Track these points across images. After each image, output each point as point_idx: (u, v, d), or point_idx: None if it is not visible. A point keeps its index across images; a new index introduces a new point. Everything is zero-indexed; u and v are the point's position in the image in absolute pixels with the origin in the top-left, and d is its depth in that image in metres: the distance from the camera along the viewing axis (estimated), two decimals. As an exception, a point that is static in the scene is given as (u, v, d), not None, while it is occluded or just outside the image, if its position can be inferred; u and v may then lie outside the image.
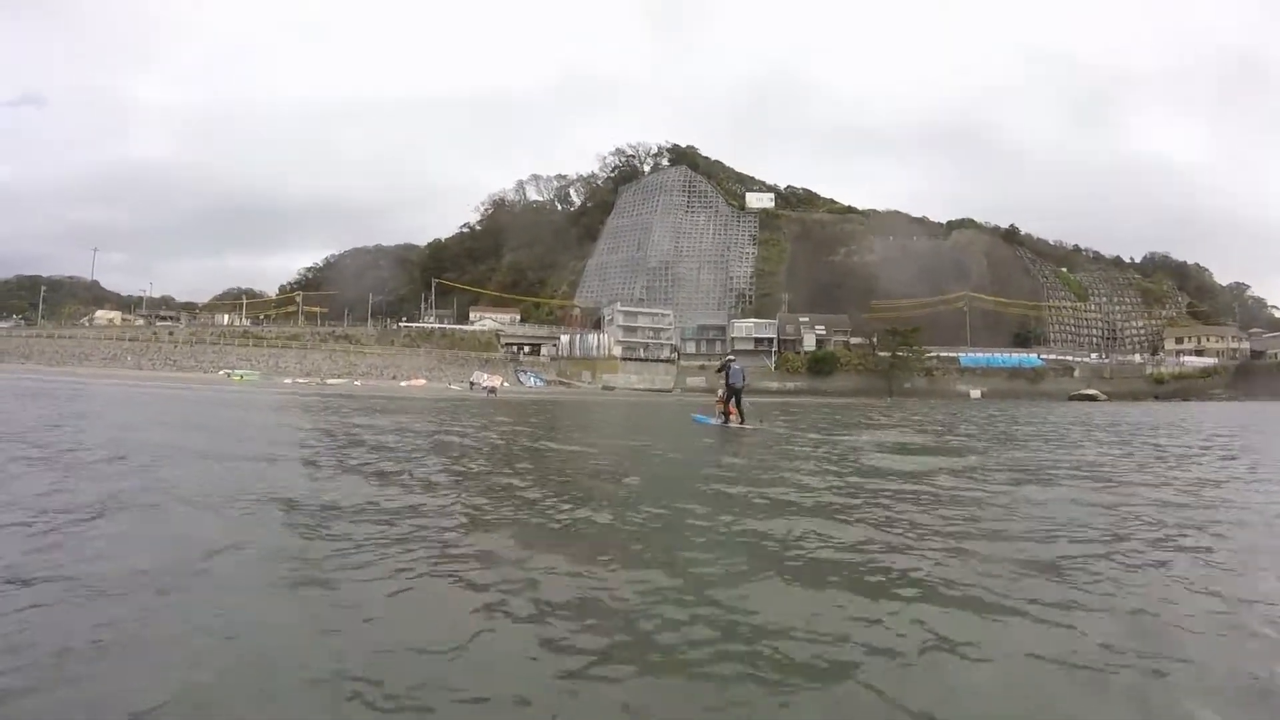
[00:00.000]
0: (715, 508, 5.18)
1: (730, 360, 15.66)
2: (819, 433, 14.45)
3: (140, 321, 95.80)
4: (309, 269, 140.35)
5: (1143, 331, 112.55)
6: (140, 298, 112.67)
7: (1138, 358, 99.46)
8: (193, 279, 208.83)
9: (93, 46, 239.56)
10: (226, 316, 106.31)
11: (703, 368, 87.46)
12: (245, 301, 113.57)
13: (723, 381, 15.51)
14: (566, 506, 5.20)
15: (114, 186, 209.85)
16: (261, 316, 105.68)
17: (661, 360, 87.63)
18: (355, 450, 8.77)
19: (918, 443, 12.67)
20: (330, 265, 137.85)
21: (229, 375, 61.12)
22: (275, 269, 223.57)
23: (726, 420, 15.29)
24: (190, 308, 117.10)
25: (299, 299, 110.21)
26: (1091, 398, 73.78)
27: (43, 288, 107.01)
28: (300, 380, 60.79)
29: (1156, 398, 77.90)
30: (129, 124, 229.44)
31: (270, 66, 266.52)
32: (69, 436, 8.90)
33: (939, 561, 3.69)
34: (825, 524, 4.65)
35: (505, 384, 67.58)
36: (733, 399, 15.34)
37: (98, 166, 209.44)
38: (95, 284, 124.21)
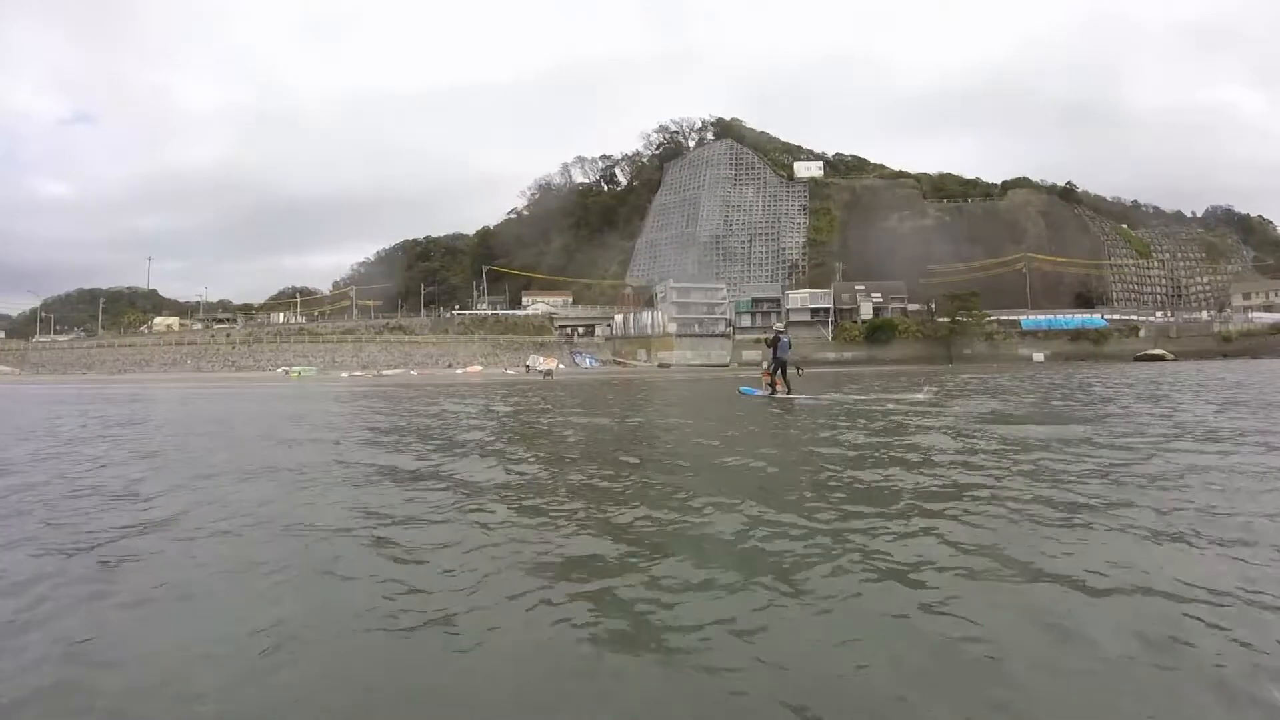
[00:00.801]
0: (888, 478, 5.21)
1: (780, 333, 15.88)
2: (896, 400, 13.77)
3: (198, 326, 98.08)
4: (361, 263, 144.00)
5: (1208, 288, 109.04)
6: (197, 303, 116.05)
7: (1204, 315, 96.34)
8: (248, 282, 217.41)
9: (135, 61, 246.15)
10: (282, 315, 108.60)
11: (758, 341, 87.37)
12: (299, 300, 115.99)
13: (770, 354, 15.84)
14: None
15: (165, 194, 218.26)
16: (316, 313, 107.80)
17: (716, 335, 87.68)
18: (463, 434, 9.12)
19: (1015, 412, 11.68)
20: (382, 259, 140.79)
21: (287, 372, 62.44)
22: (329, 266, 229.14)
23: (774, 391, 15.62)
24: (247, 309, 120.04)
25: (352, 293, 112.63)
26: (1159, 358, 71.84)
27: (101, 299, 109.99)
28: (357, 373, 61.95)
29: (1225, 356, 75.55)
30: (175, 133, 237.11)
31: (310, 65, 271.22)
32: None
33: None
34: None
35: (561, 366, 68.24)
36: (779, 371, 15.72)
37: (148, 176, 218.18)
38: (154, 292, 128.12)
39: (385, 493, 4.97)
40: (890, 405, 13.01)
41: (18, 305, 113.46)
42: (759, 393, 16.44)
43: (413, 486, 5.18)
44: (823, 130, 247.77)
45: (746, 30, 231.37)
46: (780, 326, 17.14)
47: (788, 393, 15.55)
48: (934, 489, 4.74)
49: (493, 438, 8.70)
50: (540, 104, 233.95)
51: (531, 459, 6.75)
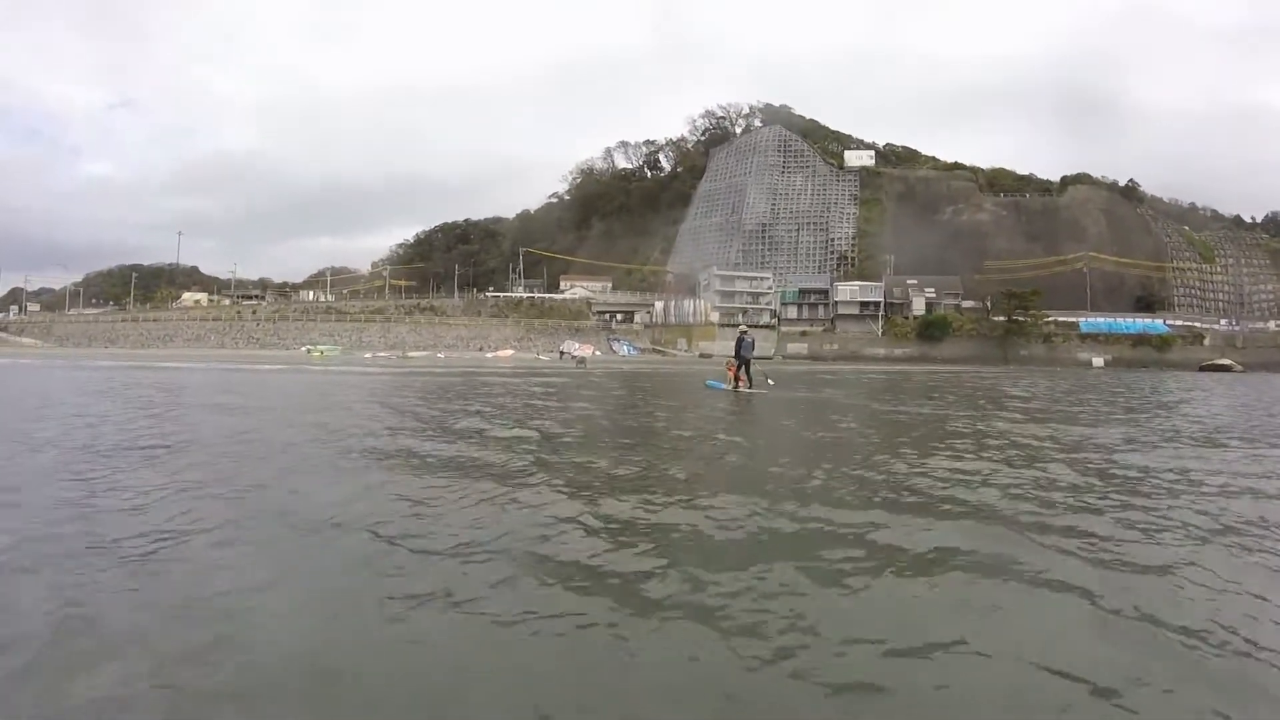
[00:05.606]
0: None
1: (744, 333, 17.94)
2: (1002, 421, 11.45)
3: (227, 302, 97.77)
4: (400, 245, 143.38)
5: (1272, 296, 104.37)
6: (230, 279, 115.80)
7: (1272, 324, 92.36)
8: (289, 262, 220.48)
9: (175, 46, 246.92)
10: (311, 293, 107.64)
11: (804, 334, 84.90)
12: (330, 278, 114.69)
13: (735, 350, 17.57)
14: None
15: (207, 177, 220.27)
16: (347, 292, 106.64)
17: (760, 326, 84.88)
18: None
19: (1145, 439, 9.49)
20: (420, 241, 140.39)
21: (309, 351, 60.55)
22: (369, 248, 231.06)
23: (736, 386, 17.10)
24: (283, 288, 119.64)
25: (386, 273, 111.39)
26: (1226, 368, 68.15)
27: (134, 274, 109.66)
28: (381, 354, 60.11)
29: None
30: (217, 118, 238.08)
31: (354, 53, 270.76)
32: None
33: None
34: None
35: (597, 353, 66.17)
36: (743, 367, 17.27)
37: (189, 159, 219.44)
38: (195, 269, 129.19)
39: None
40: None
41: (61, 281, 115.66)
42: (724, 386, 17.90)
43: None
44: (871, 122, 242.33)
45: (789, 20, 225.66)
46: (745, 326, 20.87)
47: (749, 387, 17.07)
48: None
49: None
50: (583, 89, 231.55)
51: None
